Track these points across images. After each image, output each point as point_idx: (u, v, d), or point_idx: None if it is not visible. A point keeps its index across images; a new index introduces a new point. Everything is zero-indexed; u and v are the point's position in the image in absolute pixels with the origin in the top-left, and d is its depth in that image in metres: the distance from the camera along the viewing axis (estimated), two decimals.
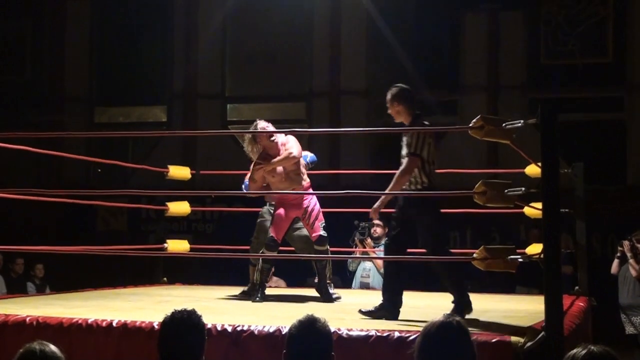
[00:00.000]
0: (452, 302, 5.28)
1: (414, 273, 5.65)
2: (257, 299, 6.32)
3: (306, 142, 12.91)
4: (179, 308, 3.27)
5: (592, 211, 8.06)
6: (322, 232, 6.43)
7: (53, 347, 2.89)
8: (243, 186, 6.91)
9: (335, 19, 13.11)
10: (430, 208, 5.36)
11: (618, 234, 9.62)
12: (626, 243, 8.74)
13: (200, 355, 3.18)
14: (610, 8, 12.42)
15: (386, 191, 5.41)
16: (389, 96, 5.47)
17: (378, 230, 8.21)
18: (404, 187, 5.34)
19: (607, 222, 11.10)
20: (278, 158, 6.32)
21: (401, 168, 5.34)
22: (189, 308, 3.28)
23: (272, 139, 6.34)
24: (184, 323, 3.19)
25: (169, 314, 3.25)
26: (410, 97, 5.46)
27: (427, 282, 8.33)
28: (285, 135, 6.44)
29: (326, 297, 6.41)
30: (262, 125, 6.45)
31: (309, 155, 6.84)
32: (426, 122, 5.47)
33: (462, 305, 5.18)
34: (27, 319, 4.80)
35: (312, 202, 6.44)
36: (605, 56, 12.44)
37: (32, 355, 2.85)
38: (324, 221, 6.47)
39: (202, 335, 3.23)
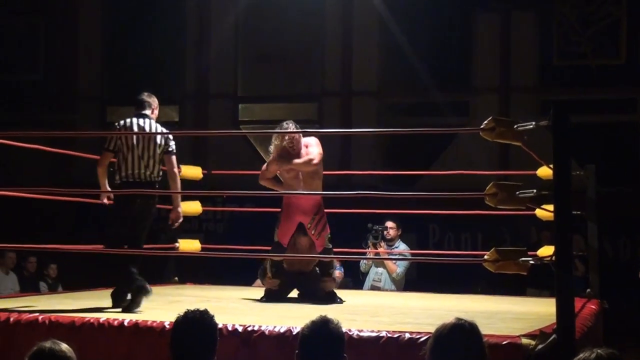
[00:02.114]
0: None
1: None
2: (264, 299, 6.33)
3: None
4: (191, 308, 3.28)
5: (604, 213, 8.02)
6: (328, 245, 6.38)
7: (64, 346, 2.91)
8: None
9: (347, 19, 13.10)
10: (114, 202, 5.96)
11: (630, 236, 9.57)
12: None
13: (212, 355, 3.19)
14: (623, 9, 12.36)
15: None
16: None
17: (391, 232, 8.16)
18: (116, 182, 5.86)
19: (619, 224, 11.05)
20: (298, 161, 6.24)
21: None
22: (201, 308, 3.29)
23: (292, 145, 6.24)
24: (196, 323, 3.21)
25: (182, 314, 3.27)
26: (135, 100, 6.01)
27: (439, 284, 8.34)
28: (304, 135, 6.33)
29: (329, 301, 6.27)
30: (292, 128, 6.30)
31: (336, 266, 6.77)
32: (123, 122, 5.87)
33: (128, 292, 5.50)
34: (40, 318, 4.83)
35: (320, 211, 6.34)
36: (618, 57, 12.39)
37: (43, 354, 2.87)
38: (329, 233, 6.43)
39: (214, 335, 3.24)
